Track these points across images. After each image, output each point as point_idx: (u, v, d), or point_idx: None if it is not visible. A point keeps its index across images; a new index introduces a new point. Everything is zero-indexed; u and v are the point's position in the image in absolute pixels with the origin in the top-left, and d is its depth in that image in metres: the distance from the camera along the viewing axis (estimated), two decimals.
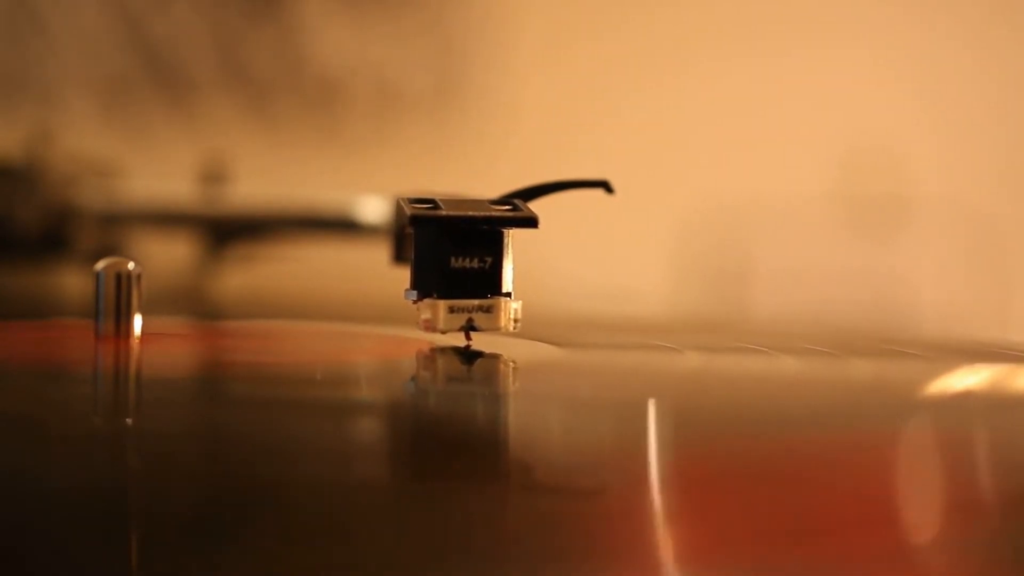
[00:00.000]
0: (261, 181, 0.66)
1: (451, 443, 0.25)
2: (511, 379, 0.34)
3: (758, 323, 0.73)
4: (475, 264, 0.33)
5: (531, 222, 0.33)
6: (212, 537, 0.19)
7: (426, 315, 0.33)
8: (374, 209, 0.60)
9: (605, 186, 0.35)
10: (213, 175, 0.64)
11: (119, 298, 0.34)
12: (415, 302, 0.33)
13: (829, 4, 0.89)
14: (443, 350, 0.35)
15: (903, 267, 0.84)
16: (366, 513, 0.20)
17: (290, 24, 0.91)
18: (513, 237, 0.33)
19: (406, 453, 0.25)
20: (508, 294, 0.33)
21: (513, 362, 0.35)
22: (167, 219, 0.64)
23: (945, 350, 0.42)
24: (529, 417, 0.29)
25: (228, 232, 0.63)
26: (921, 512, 0.21)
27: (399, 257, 0.42)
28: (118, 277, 0.34)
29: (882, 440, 0.26)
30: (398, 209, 0.33)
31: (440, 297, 0.33)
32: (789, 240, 0.86)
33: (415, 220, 0.33)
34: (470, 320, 0.33)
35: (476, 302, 0.33)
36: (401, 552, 0.18)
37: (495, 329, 0.33)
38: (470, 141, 0.89)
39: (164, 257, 0.63)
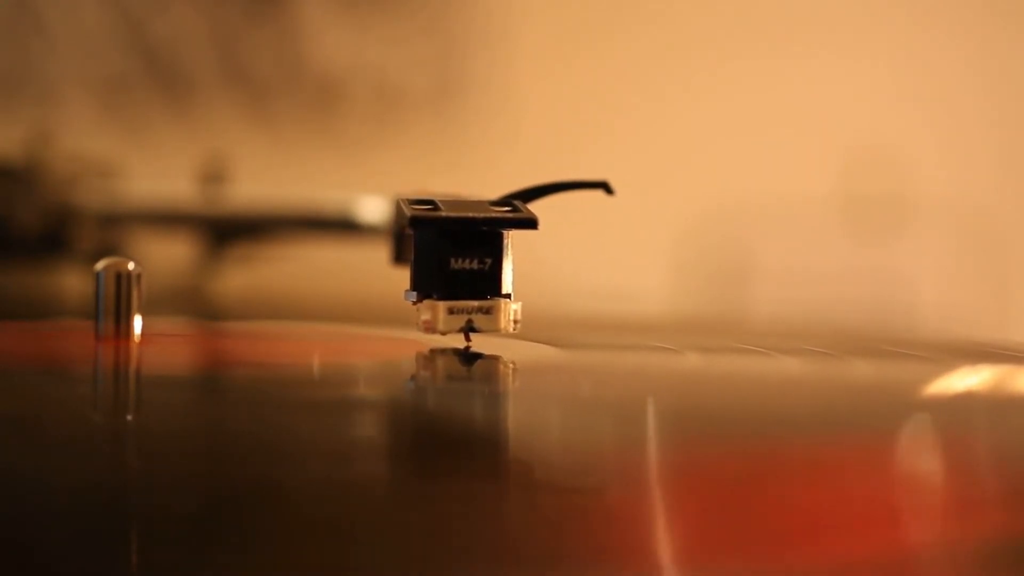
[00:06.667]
0: (261, 181, 0.66)
1: (451, 444, 0.25)
2: (511, 380, 0.34)
3: (758, 323, 0.73)
4: (475, 265, 0.33)
5: (531, 223, 0.33)
6: (212, 537, 0.19)
7: (426, 316, 0.33)
8: (374, 209, 0.60)
9: (605, 187, 0.35)
10: (213, 175, 0.64)
11: (119, 298, 0.34)
12: (415, 303, 0.33)
13: (829, 6, 0.89)
14: (443, 351, 0.35)
15: (903, 267, 0.84)
16: (366, 513, 0.20)
17: (290, 24, 0.91)
18: (513, 238, 0.33)
19: (406, 454, 0.25)
20: (508, 295, 0.33)
21: (513, 363, 0.35)
22: (167, 219, 0.64)
23: (945, 350, 0.42)
24: (529, 418, 0.29)
25: (228, 232, 0.63)
26: (921, 512, 0.21)
27: (399, 258, 0.42)
28: (118, 277, 0.34)
29: (882, 440, 0.26)
30: (398, 210, 0.33)
31: (440, 298, 0.33)
32: (789, 240, 0.86)
33: (415, 221, 0.33)
34: (470, 321, 0.33)
35: (476, 303, 0.33)
36: (401, 552, 0.18)
37: (495, 330, 0.33)
38: (470, 142, 0.89)
39: (164, 257, 0.63)
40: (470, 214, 0.33)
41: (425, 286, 0.33)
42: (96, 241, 0.63)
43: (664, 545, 0.19)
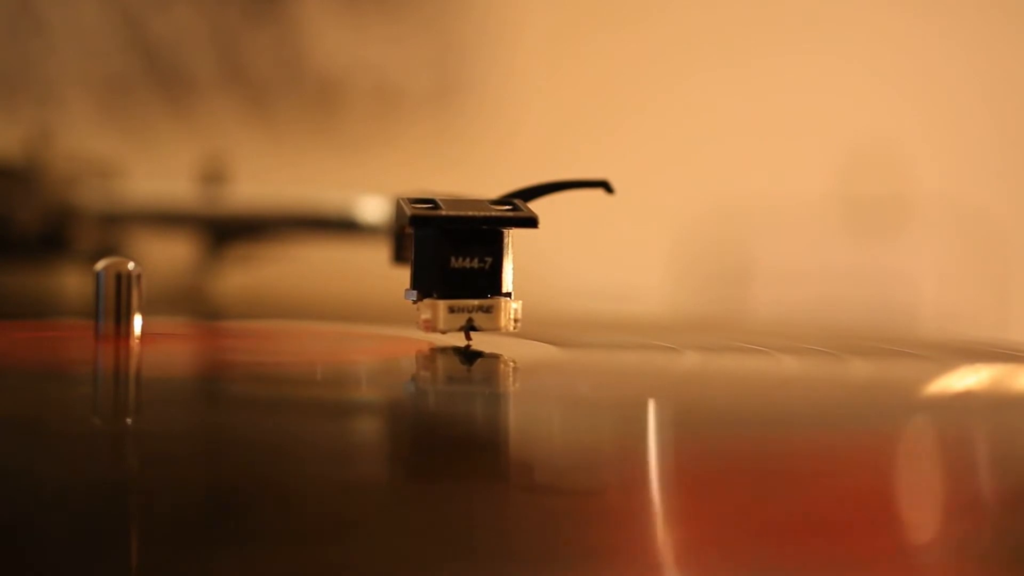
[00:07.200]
0: (261, 181, 0.66)
1: (451, 443, 0.25)
2: (511, 379, 0.34)
3: (758, 323, 0.73)
4: (475, 264, 0.33)
5: (531, 222, 0.33)
6: (212, 537, 0.19)
7: (426, 315, 0.33)
8: (374, 209, 0.60)
9: (605, 186, 0.35)
10: (213, 175, 0.64)
11: (119, 298, 0.34)
12: (415, 302, 0.33)
13: (830, 5, 0.89)
14: (443, 350, 0.35)
15: (903, 267, 0.84)
16: (366, 513, 0.20)
17: (290, 24, 0.91)
18: (513, 237, 0.33)
19: (406, 453, 0.25)
20: (508, 294, 0.33)
21: (513, 362, 0.35)
22: (167, 219, 0.64)
23: (945, 350, 0.42)
24: (529, 417, 0.29)
25: (228, 232, 0.63)
26: (921, 512, 0.21)
27: (399, 257, 0.42)
28: (118, 277, 0.34)
29: (882, 440, 0.26)
30: (398, 209, 0.33)
31: (440, 297, 0.33)
32: (789, 240, 0.86)
33: (415, 220, 0.33)
34: (470, 320, 0.33)
35: (476, 302, 0.33)
36: (401, 552, 0.18)
37: (495, 329, 0.33)
38: (471, 141, 0.89)
39: (164, 257, 0.63)
40: (470, 213, 0.33)
41: (425, 285, 0.33)
42: (96, 241, 0.63)
43: (665, 544, 0.19)
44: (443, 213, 0.33)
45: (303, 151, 0.90)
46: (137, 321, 0.34)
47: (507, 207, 0.33)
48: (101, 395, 0.30)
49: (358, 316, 0.50)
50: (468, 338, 0.34)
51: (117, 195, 0.65)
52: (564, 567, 0.18)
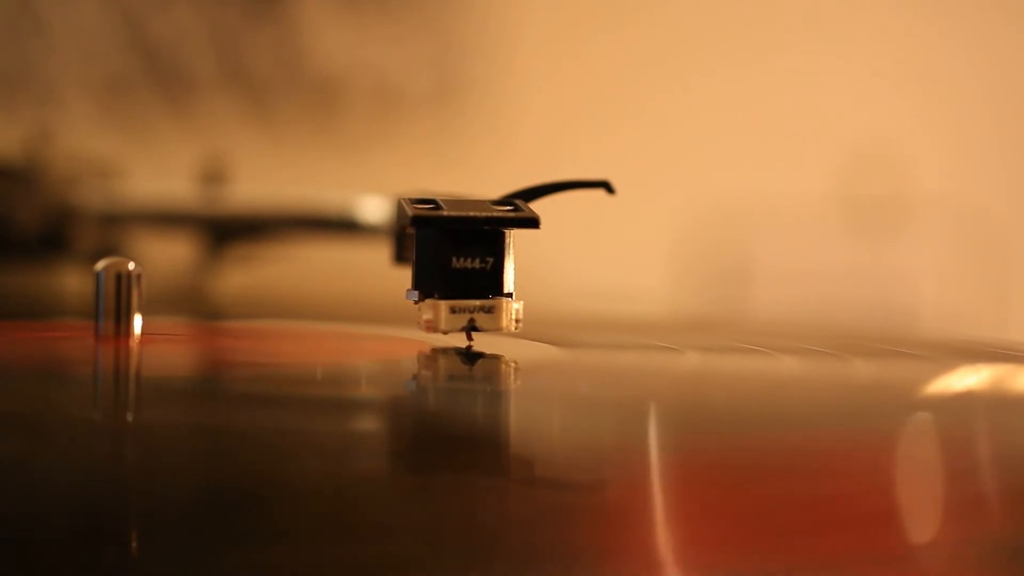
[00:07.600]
0: (261, 181, 0.66)
1: (452, 442, 0.25)
2: (512, 379, 0.34)
3: (758, 323, 0.73)
4: (476, 264, 0.33)
5: (532, 222, 0.33)
6: (211, 536, 0.19)
7: (428, 315, 0.33)
8: (375, 209, 0.60)
9: (606, 186, 0.35)
10: (213, 175, 0.64)
11: (119, 298, 0.34)
12: (416, 302, 0.33)
13: (830, 5, 0.89)
14: (444, 350, 0.35)
15: (903, 267, 0.84)
16: (366, 512, 0.20)
17: (290, 24, 0.91)
18: (514, 237, 0.33)
19: (407, 452, 0.25)
20: (509, 294, 0.33)
21: (514, 362, 0.35)
22: (167, 219, 0.64)
23: (945, 350, 0.42)
24: (530, 417, 0.29)
25: (228, 232, 0.63)
26: (920, 512, 0.21)
27: (400, 257, 0.42)
28: (118, 277, 0.34)
29: (882, 440, 0.26)
30: (399, 209, 0.33)
31: (442, 297, 0.33)
32: (789, 240, 0.86)
33: (417, 220, 0.33)
34: (471, 320, 0.33)
35: (478, 302, 0.33)
36: (401, 550, 0.18)
37: (496, 329, 0.33)
38: (471, 141, 0.89)
39: (164, 257, 0.63)
40: (472, 213, 0.33)
41: (427, 285, 0.33)
42: (96, 241, 0.63)
43: (665, 543, 0.19)
44: (444, 213, 0.33)
45: (303, 151, 0.90)
46: (137, 321, 0.34)
47: (508, 207, 0.33)
48: (101, 395, 0.30)
49: (359, 316, 0.50)
50: (469, 338, 0.34)
51: (117, 195, 0.65)
52: (563, 566, 0.18)
